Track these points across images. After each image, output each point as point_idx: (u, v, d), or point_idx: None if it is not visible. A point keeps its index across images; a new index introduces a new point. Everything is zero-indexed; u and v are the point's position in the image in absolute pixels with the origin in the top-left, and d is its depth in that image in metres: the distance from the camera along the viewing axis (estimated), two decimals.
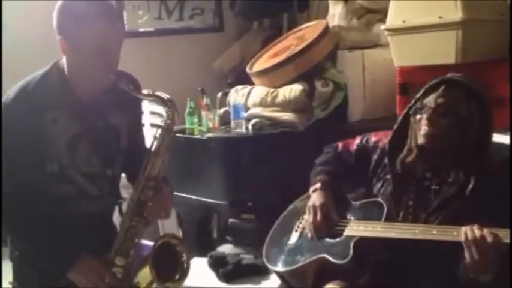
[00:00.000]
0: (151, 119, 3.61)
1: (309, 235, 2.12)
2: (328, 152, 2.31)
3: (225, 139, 3.38)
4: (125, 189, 2.14)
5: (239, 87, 3.74)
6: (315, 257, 2.04)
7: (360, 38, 3.60)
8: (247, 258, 2.89)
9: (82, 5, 1.88)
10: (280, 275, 2.19)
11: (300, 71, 3.42)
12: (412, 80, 2.95)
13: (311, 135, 3.28)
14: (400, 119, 2.10)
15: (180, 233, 3.60)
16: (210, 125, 3.48)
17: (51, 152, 1.93)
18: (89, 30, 1.87)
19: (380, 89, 3.45)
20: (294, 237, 2.18)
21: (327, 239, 2.07)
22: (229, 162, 3.33)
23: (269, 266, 2.20)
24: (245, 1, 4.27)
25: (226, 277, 2.79)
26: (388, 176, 2.06)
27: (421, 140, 1.97)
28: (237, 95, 3.68)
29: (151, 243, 1.97)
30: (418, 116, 1.99)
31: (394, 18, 3.01)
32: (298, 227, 2.20)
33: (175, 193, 2.08)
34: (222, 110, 3.65)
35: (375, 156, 2.15)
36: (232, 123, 3.45)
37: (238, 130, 3.41)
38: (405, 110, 2.08)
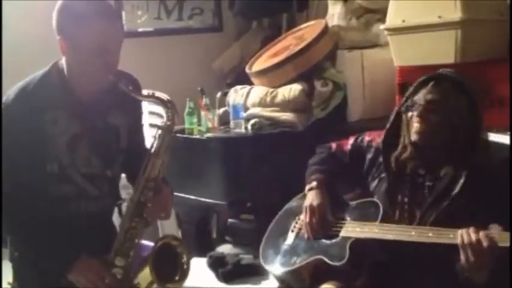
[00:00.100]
0: (151, 119, 3.60)
1: (306, 236, 2.12)
2: (322, 152, 2.31)
3: (225, 139, 3.38)
4: (125, 190, 2.15)
5: (238, 87, 3.74)
6: (311, 258, 2.04)
7: (359, 38, 3.60)
8: (247, 258, 2.89)
9: (82, 5, 1.88)
10: (276, 276, 2.18)
11: (299, 70, 3.42)
12: (412, 80, 2.87)
13: (310, 135, 3.27)
14: (392, 117, 2.10)
15: (179, 234, 3.59)
16: (210, 125, 3.48)
17: (51, 152, 1.93)
18: (89, 30, 1.87)
19: (379, 89, 3.45)
20: (290, 238, 2.18)
21: (323, 240, 2.07)
22: (228, 162, 3.33)
23: (266, 267, 2.20)
24: (244, 1, 4.26)
25: (225, 277, 2.80)
26: (383, 175, 2.07)
27: (413, 137, 1.98)
28: (236, 95, 3.67)
29: (151, 244, 1.97)
30: (410, 114, 2.00)
31: (393, 18, 3.01)
32: (294, 227, 2.20)
33: (174, 193, 2.08)
34: (222, 110, 3.65)
35: (369, 156, 2.15)
36: (232, 123, 3.45)
37: (237, 130, 3.40)
38: (396, 108, 2.09)
